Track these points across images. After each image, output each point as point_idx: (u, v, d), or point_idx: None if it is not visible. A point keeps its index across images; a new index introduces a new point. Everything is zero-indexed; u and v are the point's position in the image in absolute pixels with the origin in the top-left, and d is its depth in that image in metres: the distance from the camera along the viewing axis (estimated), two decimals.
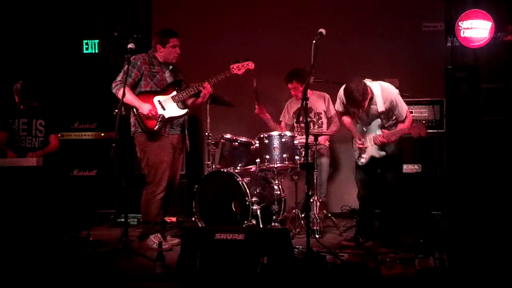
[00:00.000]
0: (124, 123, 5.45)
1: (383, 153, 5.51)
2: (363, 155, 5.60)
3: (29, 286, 4.50)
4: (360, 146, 5.60)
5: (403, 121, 5.50)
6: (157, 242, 5.34)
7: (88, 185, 7.22)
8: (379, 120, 5.50)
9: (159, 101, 5.69)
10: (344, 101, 5.51)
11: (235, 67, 5.82)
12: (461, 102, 7.24)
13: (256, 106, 6.87)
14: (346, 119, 5.80)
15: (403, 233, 5.84)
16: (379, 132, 5.49)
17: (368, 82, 5.43)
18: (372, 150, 5.54)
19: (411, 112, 6.89)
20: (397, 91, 5.52)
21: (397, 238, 5.58)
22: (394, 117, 5.51)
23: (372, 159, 5.55)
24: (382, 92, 5.41)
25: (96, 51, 8.04)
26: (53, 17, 7.92)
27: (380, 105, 5.39)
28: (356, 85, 5.27)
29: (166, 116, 5.68)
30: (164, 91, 5.74)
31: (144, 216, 5.79)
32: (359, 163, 5.68)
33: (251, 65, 5.86)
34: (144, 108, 5.58)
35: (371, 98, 5.39)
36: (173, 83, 5.79)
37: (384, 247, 5.35)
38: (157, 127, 5.64)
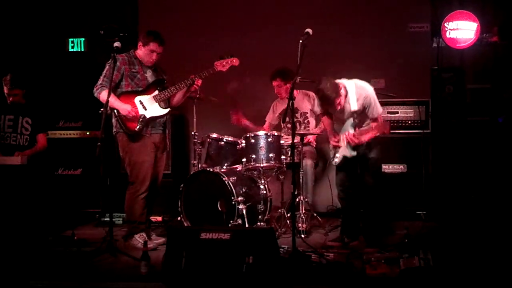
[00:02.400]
0: (109, 122, 5.43)
1: (354, 153, 5.50)
2: (337, 155, 5.61)
3: (13, 285, 4.47)
4: (335, 144, 5.61)
5: (375, 120, 5.49)
6: (142, 242, 5.33)
7: (73, 184, 7.17)
8: (351, 119, 5.51)
9: (140, 101, 5.66)
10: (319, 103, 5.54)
11: (219, 64, 5.81)
12: (446, 103, 7.26)
13: (233, 116, 6.83)
14: (325, 120, 5.83)
15: (387, 233, 5.86)
16: (351, 131, 5.50)
17: (343, 80, 5.44)
18: (344, 150, 5.54)
19: (397, 113, 6.98)
20: (372, 89, 5.50)
21: (381, 238, 5.59)
22: (367, 119, 5.51)
23: (349, 159, 5.55)
24: (356, 89, 5.41)
25: (82, 50, 7.98)
26: (39, 15, 7.86)
27: (353, 104, 5.39)
28: (325, 83, 5.27)
29: (148, 116, 5.66)
30: (145, 90, 5.71)
31: (128, 215, 5.79)
32: (333, 163, 5.70)
33: (235, 61, 5.85)
34: (124, 109, 5.56)
35: (345, 96, 5.40)
36: (155, 82, 5.77)
37: (369, 247, 5.37)
38: (138, 127, 5.62)
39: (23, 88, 6.28)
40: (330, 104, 5.40)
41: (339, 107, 5.40)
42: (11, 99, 6.23)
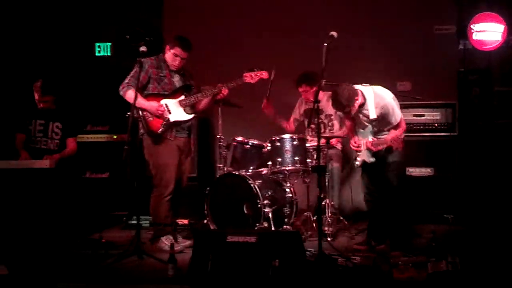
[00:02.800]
0: (136, 125, 5.48)
1: (372, 159, 5.48)
2: (357, 158, 5.59)
3: (40, 285, 4.52)
4: (355, 148, 5.59)
5: (395, 127, 5.48)
6: (169, 244, 5.35)
7: (100, 187, 7.26)
8: (370, 127, 5.49)
9: (166, 104, 5.70)
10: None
11: (248, 76, 5.82)
12: (473, 105, 7.19)
13: (265, 100, 6.82)
14: (347, 122, 5.83)
15: (414, 236, 5.82)
16: (370, 138, 5.49)
17: (362, 87, 5.42)
18: (364, 155, 5.52)
19: (423, 116, 6.93)
20: (392, 96, 5.47)
21: (408, 241, 5.56)
22: (387, 126, 5.49)
23: (372, 164, 5.53)
24: (375, 98, 5.39)
25: (108, 54, 8.06)
26: (66, 20, 7.95)
27: (372, 112, 5.38)
28: (343, 90, 5.27)
29: (171, 120, 5.70)
30: (172, 95, 5.76)
31: (154, 218, 5.85)
32: (355, 165, 5.67)
33: (265, 75, 5.86)
34: (151, 106, 5.60)
35: (363, 104, 5.39)
36: (182, 87, 5.81)
37: (396, 251, 5.33)
38: (161, 130, 5.66)
39: (53, 94, 6.34)
40: (339, 109, 5.46)
41: (351, 114, 5.40)
42: (41, 105, 6.30)
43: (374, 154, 5.48)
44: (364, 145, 5.49)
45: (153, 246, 5.68)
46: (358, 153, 5.57)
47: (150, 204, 5.81)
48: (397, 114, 5.44)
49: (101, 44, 8.08)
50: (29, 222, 5.26)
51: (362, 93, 5.38)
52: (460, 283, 4.28)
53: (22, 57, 7.63)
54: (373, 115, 5.38)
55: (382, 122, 5.47)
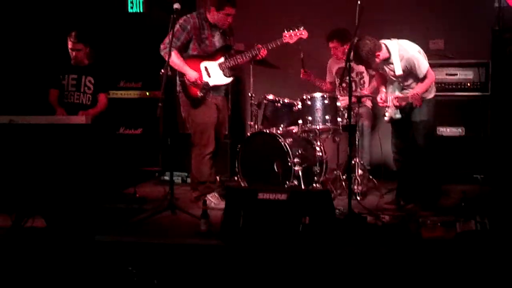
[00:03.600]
0: (169, 83, 5.53)
1: (399, 116, 5.50)
2: (386, 113, 5.60)
3: (80, 240, 4.68)
4: (381, 104, 5.60)
5: (422, 80, 5.43)
6: (215, 202, 5.46)
7: (134, 143, 7.37)
8: (397, 82, 5.48)
9: (205, 67, 5.72)
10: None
11: (287, 35, 5.77)
12: (507, 65, 7.08)
13: (302, 71, 6.89)
14: (377, 77, 5.85)
15: (444, 196, 5.84)
16: (396, 93, 5.47)
17: (387, 41, 5.41)
18: (391, 111, 5.53)
19: (456, 75, 6.87)
20: (417, 48, 5.44)
21: (437, 201, 5.60)
22: (414, 80, 5.46)
23: (399, 122, 5.55)
24: (400, 51, 5.36)
25: (141, 10, 8.05)
26: None
27: (397, 67, 5.36)
28: (364, 43, 5.24)
29: (211, 84, 5.74)
30: (211, 56, 5.76)
31: (198, 177, 5.87)
32: (385, 120, 5.68)
33: (304, 33, 5.80)
34: (192, 75, 5.63)
35: (388, 58, 5.38)
36: (221, 48, 5.80)
37: (425, 210, 5.38)
38: (200, 95, 5.70)
39: (86, 43, 6.37)
40: (359, 63, 5.46)
41: (372, 68, 5.42)
42: (74, 54, 6.31)
43: (401, 110, 5.49)
44: (390, 101, 5.49)
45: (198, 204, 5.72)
46: (386, 109, 5.58)
47: (192, 164, 5.87)
48: (423, 67, 5.39)
49: (134, 0, 8.06)
50: (65, 176, 5.38)
51: (387, 47, 5.36)
52: (489, 243, 4.31)
53: (55, 12, 7.66)
54: (398, 70, 5.36)
55: (409, 76, 5.46)
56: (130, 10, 8.02)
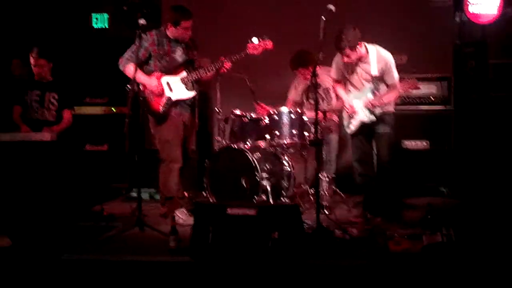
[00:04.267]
0: (137, 98, 5.50)
1: (372, 117, 5.54)
2: (353, 122, 5.64)
3: (47, 260, 4.61)
4: (349, 111, 5.63)
5: (391, 88, 5.53)
6: (183, 218, 5.43)
7: (100, 159, 7.29)
8: (371, 84, 5.53)
9: (167, 82, 5.70)
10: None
11: (251, 46, 5.72)
12: (469, 78, 7.24)
13: (256, 106, 6.76)
14: (339, 87, 5.85)
15: (410, 209, 5.92)
16: (370, 96, 5.53)
17: (366, 43, 5.51)
18: (362, 115, 5.57)
19: (419, 89, 6.93)
20: (391, 57, 5.54)
21: (404, 214, 5.66)
22: (384, 86, 5.55)
23: (363, 133, 5.60)
24: (378, 53, 5.46)
25: (106, 26, 8.02)
26: None
27: (373, 67, 5.45)
28: (349, 30, 5.36)
29: (173, 99, 5.70)
30: (173, 71, 5.73)
31: (165, 192, 5.85)
32: (349, 131, 5.73)
33: (269, 44, 5.76)
34: (152, 83, 5.61)
35: (365, 58, 5.47)
36: (183, 63, 5.79)
37: (391, 223, 5.43)
38: (162, 110, 5.68)
39: (49, 60, 6.30)
40: (338, 48, 5.44)
41: (345, 60, 5.46)
42: (37, 70, 6.24)
43: (372, 112, 5.54)
44: (361, 105, 5.54)
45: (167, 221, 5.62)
46: (350, 121, 5.62)
47: (160, 179, 5.85)
48: (395, 75, 5.51)
49: (98, 15, 8.03)
50: (31, 194, 5.31)
51: (366, 47, 5.46)
52: (455, 255, 4.37)
53: (18, 29, 7.59)
54: (374, 70, 5.45)
55: (381, 81, 5.53)
56: (95, 26, 7.99)
